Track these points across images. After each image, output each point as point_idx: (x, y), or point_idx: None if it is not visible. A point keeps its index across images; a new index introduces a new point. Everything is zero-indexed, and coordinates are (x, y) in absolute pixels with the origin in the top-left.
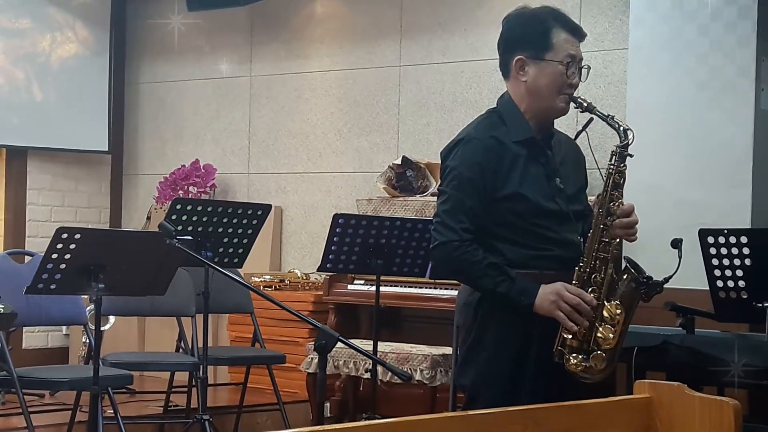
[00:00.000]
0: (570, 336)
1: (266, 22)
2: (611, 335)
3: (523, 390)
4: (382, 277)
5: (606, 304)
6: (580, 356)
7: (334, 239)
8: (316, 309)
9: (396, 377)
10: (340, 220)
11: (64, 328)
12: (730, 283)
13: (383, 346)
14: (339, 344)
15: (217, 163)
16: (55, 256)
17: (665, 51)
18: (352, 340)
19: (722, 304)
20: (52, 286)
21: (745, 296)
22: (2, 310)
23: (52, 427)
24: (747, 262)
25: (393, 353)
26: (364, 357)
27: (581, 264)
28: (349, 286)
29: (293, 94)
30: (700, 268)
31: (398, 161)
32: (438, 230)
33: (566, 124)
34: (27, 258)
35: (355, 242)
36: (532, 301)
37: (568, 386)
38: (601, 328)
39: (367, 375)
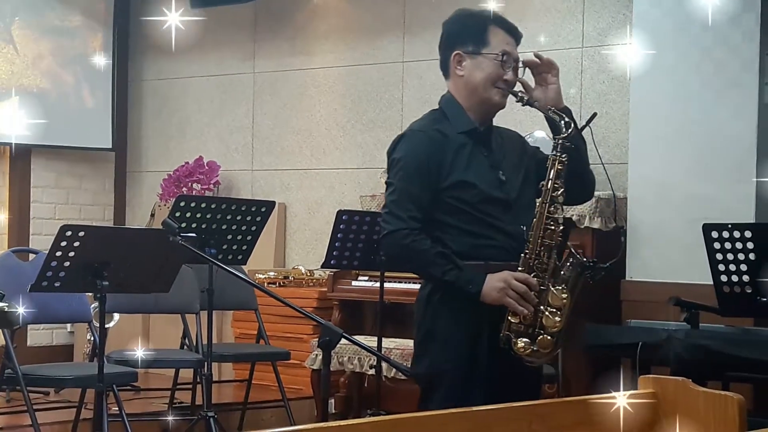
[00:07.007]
0: (516, 320)
1: (269, 18)
2: (557, 319)
3: (477, 377)
4: (386, 273)
5: (552, 289)
6: (527, 340)
7: (338, 235)
8: (321, 305)
9: (400, 373)
10: (343, 217)
11: (68, 325)
12: (735, 278)
13: (387, 343)
14: (343, 340)
15: (221, 160)
16: (59, 253)
17: (669, 46)
18: (356, 337)
19: (726, 299)
20: (57, 284)
21: (749, 291)
22: (6, 309)
23: (57, 425)
24: (751, 256)
25: (397, 349)
26: (369, 353)
27: (527, 251)
28: (354, 283)
29: (297, 90)
30: (705, 263)
31: None
32: (386, 220)
33: None
34: (31, 256)
35: (359, 238)
36: (479, 289)
37: (522, 372)
38: (547, 312)
39: (372, 371)
